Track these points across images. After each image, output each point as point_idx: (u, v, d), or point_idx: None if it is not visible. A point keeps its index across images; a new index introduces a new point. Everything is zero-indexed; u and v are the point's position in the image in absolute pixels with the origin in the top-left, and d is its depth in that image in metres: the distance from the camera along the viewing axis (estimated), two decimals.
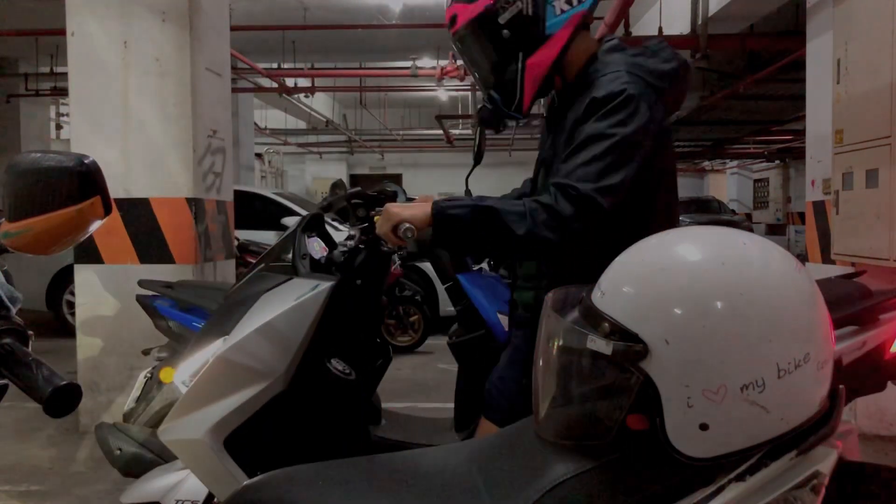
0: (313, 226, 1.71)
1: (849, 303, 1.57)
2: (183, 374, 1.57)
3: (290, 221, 4.77)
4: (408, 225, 1.36)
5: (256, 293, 1.59)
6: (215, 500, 1.58)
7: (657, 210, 1.49)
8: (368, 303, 1.71)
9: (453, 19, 1.53)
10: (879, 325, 1.58)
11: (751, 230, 3.65)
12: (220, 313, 1.65)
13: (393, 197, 1.80)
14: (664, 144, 1.47)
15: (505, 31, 1.49)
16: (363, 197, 1.76)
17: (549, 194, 1.36)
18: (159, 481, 1.71)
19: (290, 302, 1.53)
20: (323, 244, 1.57)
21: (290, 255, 1.62)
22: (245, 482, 1.09)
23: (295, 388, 1.52)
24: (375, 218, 1.45)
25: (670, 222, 1.52)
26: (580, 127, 1.42)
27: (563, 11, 1.48)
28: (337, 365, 1.56)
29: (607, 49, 1.53)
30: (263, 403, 1.50)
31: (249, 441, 1.50)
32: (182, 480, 1.66)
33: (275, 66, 9.12)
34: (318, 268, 1.62)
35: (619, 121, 1.37)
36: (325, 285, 1.55)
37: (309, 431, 1.57)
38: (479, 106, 1.64)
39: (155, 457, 1.83)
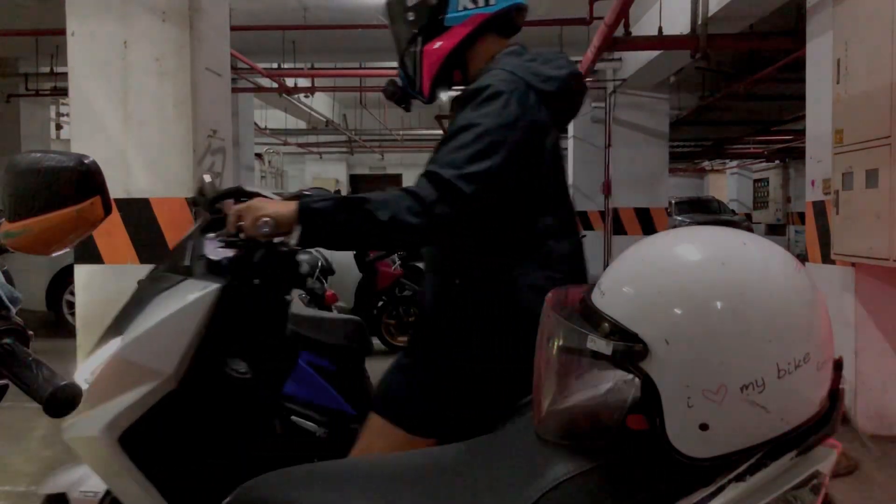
0: (214, 227, 1.71)
1: None
2: (84, 371, 1.60)
3: None
4: (266, 219, 1.38)
5: (152, 294, 1.60)
6: (111, 494, 1.61)
7: (540, 211, 1.52)
8: (268, 302, 1.71)
9: None
10: None
11: (751, 230, 3.66)
12: (120, 312, 1.67)
13: (251, 197, 1.80)
14: (545, 149, 1.51)
15: (409, 14, 1.59)
16: (227, 198, 1.77)
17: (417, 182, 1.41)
18: (69, 474, 1.76)
19: (180, 303, 1.55)
20: (225, 245, 1.56)
21: (186, 256, 1.63)
22: (246, 483, 1.09)
23: (187, 387, 1.54)
24: (233, 212, 1.46)
25: (562, 227, 1.55)
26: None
27: (465, 8, 1.55)
28: (234, 365, 1.56)
29: (506, 53, 1.59)
30: (156, 402, 1.52)
31: (144, 438, 1.52)
32: (87, 473, 1.69)
33: (275, 66, 9.11)
34: (216, 269, 1.62)
35: (486, 113, 1.43)
36: (214, 286, 1.56)
37: (204, 430, 1.58)
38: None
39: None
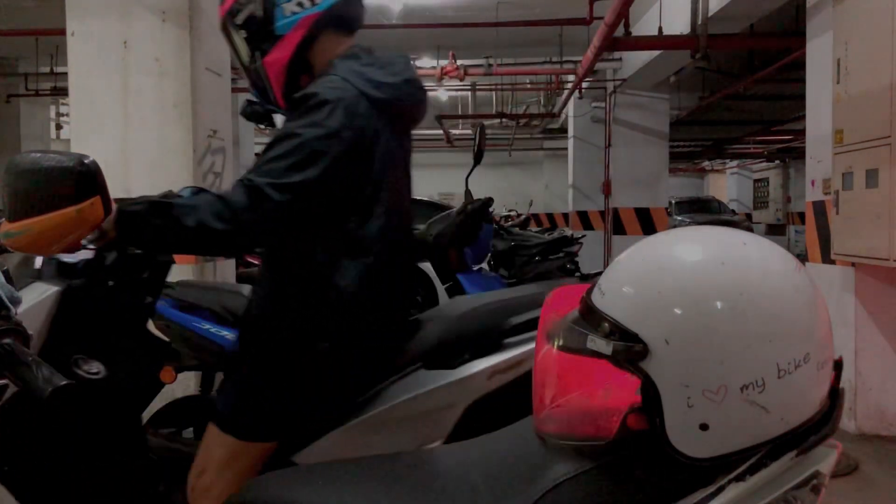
0: None
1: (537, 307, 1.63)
2: None
3: None
4: None
5: None
6: None
7: (368, 221, 1.51)
8: (124, 304, 1.70)
9: None
10: None
11: (751, 230, 3.66)
12: None
13: None
14: (379, 156, 1.50)
15: (242, 31, 1.59)
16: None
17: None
18: None
19: (24, 305, 1.55)
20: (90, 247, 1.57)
21: (38, 259, 1.63)
22: (245, 482, 1.09)
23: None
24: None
25: (388, 241, 1.54)
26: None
27: (293, 13, 1.54)
28: (86, 366, 1.56)
29: (344, 56, 1.58)
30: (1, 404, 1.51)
31: None
32: None
33: None
34: (68, 270, 1.62)
35: (309, 122, 1.41)
36: (54, 290, 1.56)
37: (55, 428, 1.56)
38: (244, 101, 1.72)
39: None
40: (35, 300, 1.53)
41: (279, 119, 1.67)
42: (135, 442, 1.70)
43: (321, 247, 1.51)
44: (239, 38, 1.60)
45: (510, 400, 1.61)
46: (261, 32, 1.56)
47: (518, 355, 1.57)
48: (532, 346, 1.58)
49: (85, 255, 1.61)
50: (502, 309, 1.64)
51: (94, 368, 1.52)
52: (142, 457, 1.70)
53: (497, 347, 1.58)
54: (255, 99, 1.68)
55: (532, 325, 1.61)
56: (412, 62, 1.66)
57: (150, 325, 1.87)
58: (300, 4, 1.54)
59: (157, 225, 1.34)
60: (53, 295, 1.56)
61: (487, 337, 1.59)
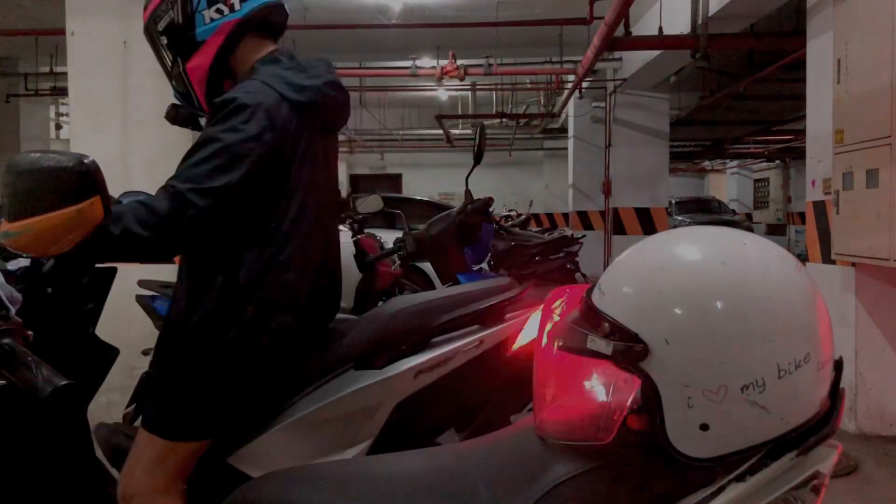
0: None
1: (473, 301, 1.64)
2: None
3: None
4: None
5: None
6: None
7: (289, 222, 1.52)
8: (64, 311, 1.69)
9: None
10: (502, 324, 1.64)
11: (751, 230, 3.66)
12: None
13: None
14: (299, 158, 1.52)
15: (163, 38, 1.62)
16: None
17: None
18: None
19: None
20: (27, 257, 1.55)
21: None
22: (245, 483, 1.09)
23: None
24: None
25: (309, 240, 1.55)
26: None
27: (211, 20, 1.56)
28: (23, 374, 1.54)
29: (264, 61, 1.60)
30: None
31: None
32: None
33: None
34: (5, 278, 1.61)
35: (229, 127, 1.43)
36: None
37: (3, 432, 1.54)
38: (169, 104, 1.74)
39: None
40: None
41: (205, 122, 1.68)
42: (81, 446, 1.69)
43: (234, 244, 1.52)
44: (161, 43, 1.63)
45: (439, 398, 1.62)
46: (182, 38, 1.59)
47: (442, 354, 1.59)
48: (457, 344, 1.60)
49: (22, 262, 1.60)
50: (432, 308, 1.66)
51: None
52: (87, 461, 1.69)
53: (423, 347, 1.60)
54: (179, 102, 1.70)
55: (459, 322, 1.62)
56: (333, 66, 1.69)
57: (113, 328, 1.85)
58: (219, 11, 1.56)
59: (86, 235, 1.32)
60: None
61: (415, 336, 1.60)
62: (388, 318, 1.64)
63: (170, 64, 1.64)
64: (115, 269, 1.75)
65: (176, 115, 1.72)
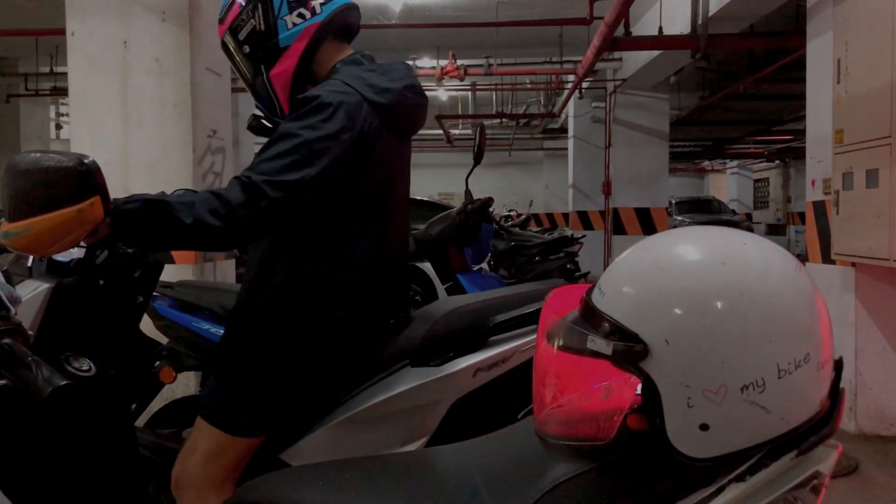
0: None
1: (530, 301, 1.66)
2: None
3: None
4: None
5: None
6: None
7: (361, 222, 1.54)
8: (115, 302, 1.70)
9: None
10: None
11: (751, 230, 3.66)
12: None
13: None
14: (379, 159, 1.53)
15: (245, 47, 1.61)
16: None
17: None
18: None
19: None
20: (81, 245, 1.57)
21: (30, 257, 1.63)
22: (246, 483, 1.09)
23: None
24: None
25: (379, 242, 1.57)
26: None
27: (294, 25, 1.58)
28: (74, 362, 1.55)
29: (346, 62, 1.61)
30: None
31: None
32: None
33: None
34: (58, 268, 1.62)
35: (309, 124, 1.43)
36: (44, 287, 1.57)
37: (49, 428, 1.55)
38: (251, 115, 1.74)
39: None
40: (25, 297, 1.53)
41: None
42: (124, 441, 1.70)
43: (311, 244, 1.54)
44: (242, 53, 1.63)
45: (495, 396, 1.62)
46: (264, 46, 1.59)
47: (501, 352, 1.59)
48: (515, 343, 1.61)
49: (76, 253, 1.61)
50: (487, 308, 1.66)
51: (85, 366, 1.52)
52: (131, 457, 1.70)
53: (481, 345, 1.60)
54: (260, 112, 1.70)
55: (516, 322, 1.63)
56: (413, 68, 1.69)
57: (151, 325, 1.87)
58: (301, 15, 1.57)
59: (153, 222, 1.35)
60: (44, 292, 1.56)
61: (472, 335, 1.60)
62: (443, 316, 1.64)
63: (251, 74, 1.64)
64: (162, 264, 1.76)
65: (258, 126, 1.72)
